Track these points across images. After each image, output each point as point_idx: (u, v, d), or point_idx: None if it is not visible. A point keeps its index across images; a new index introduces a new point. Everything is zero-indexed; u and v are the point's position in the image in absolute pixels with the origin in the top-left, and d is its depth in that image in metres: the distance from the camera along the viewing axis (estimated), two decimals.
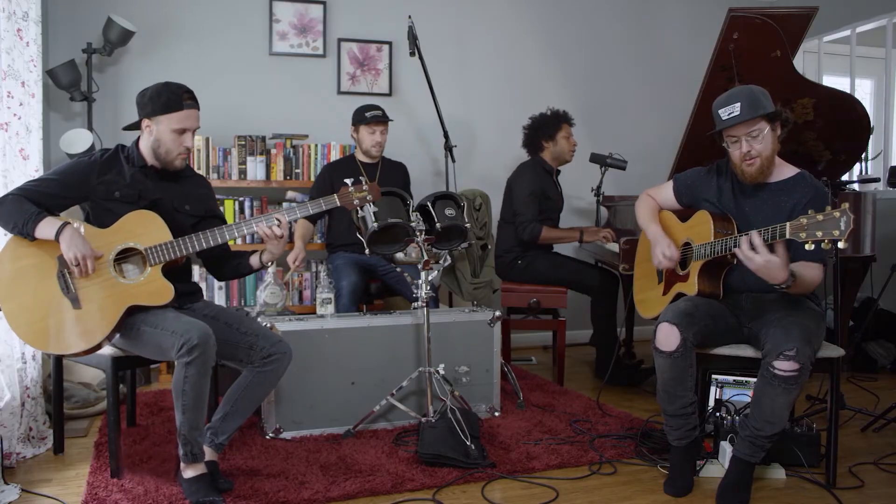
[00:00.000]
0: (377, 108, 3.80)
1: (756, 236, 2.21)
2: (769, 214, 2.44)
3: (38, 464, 2.63)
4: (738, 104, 2.40)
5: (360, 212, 2.76)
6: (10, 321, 2.31)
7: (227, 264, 2.72)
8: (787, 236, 2.14)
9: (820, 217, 2.08)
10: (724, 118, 2.44)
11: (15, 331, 2.31)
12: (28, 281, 2.32)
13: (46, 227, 2.28)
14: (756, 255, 2.21)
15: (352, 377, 3.00)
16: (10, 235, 2.36)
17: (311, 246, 4.01)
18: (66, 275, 2.31)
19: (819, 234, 2.07)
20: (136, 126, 2.53)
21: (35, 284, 2.31)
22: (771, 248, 2.22)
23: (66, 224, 2.29)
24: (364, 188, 2.58)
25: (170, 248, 2.38)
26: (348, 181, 2.59)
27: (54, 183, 2.39)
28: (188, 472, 2.33)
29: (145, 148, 2.50)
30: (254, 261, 2.64)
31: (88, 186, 2.42)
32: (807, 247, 2.09)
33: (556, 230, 3.95)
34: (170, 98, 2.43)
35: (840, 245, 2.04)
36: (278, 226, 2.47)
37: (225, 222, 2.67)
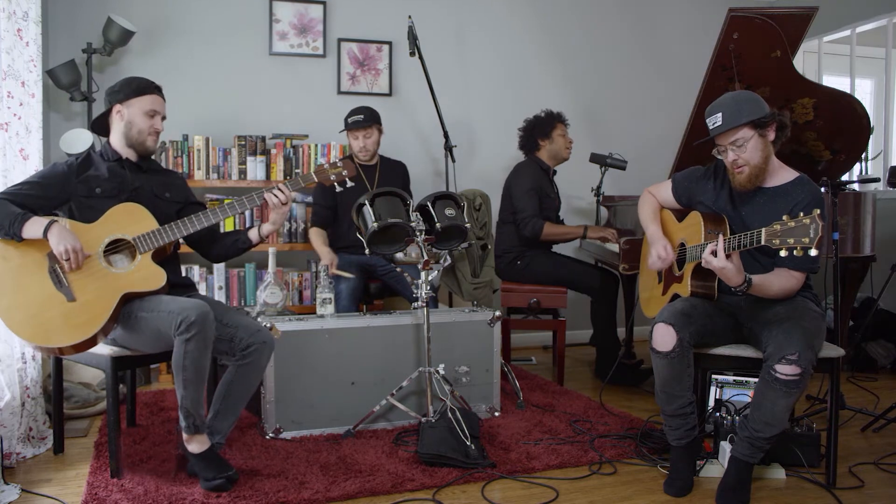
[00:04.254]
0: (361, 112, 3.73)
1: (721, 240, 2.27)
2: (765, 219, 2.42)
3: (38, 464, 2.63)
4: (720, 114, 2.41)
5: (337, 187, 2.77)
6: (5, 320, 2.33)
7: (220, 243, 2.78)
8: (763, 242, 2.15)
9: (792, 224, 2.08)
10: (710, 128, 2.46)
11: (11, 328, 2.33)
12: (21, 279, 2.34)
13: (33, 227, 2.32)
14: (714, 259, 2.26)
15: (352, 377, 3.00)
16: None
17: (312, 247, 4.00)
18: (58, 270, 2.35)
19: (790, 241, 2.07)
20: (102, 124, 2.62)
21: (28, 282, 2.34)
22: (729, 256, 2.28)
23: (53, 221, 2.33)
24: (339, 164, 2.69)
25: (158, 234, 2.43)
26: (323, 160, 2.67)
27: (36, 185, 2.45)
28: (193, 446, 2.39)
29: (117, 139, 2.59)
30: (253, 235, 2.73)
31: (69, 187, 2.48)
32: (781, 253, 2.10)
33: (559, 226, 3.94)
34: (140, 84, 2.58)
35: (811, 253, 2.03)
36: (286, 196, 2.61)
37: (205, 209, 2.72)
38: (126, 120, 2.55)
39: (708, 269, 2.48)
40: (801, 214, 2.07)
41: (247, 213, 4.08)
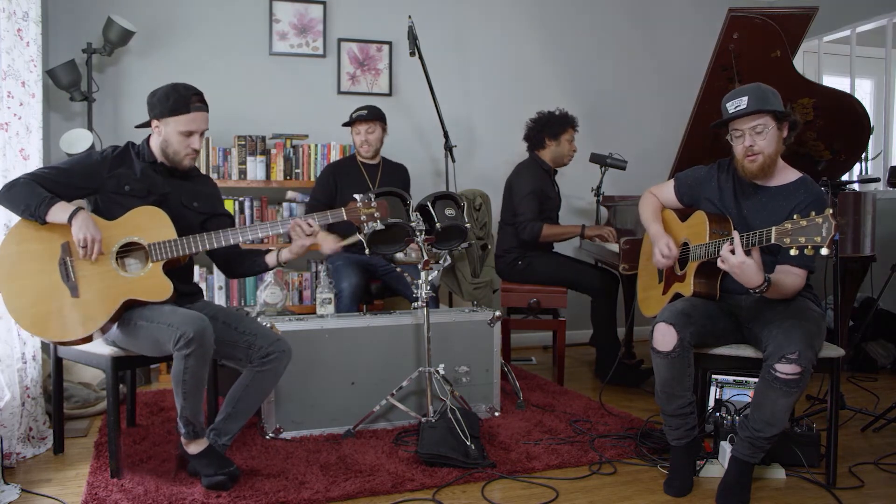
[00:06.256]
0: (365, 108, 3.77)
1: (737, 236, 2.25)
2: (767, 217, 2.43)
3: (38, 464, 2.62)
4: (746, 98, 2.40)
5: (365, 228, 2.74)
6: (7, 304, 2.33)
7: (240, 263, 2.75)
8: (773, 241, 2.15)
9: (804, 223, 2.07)
10: (730, 111, 2.44)
11: (11, 314, 2.34)
12: (30, 265, 2.34)
13: (60, 211, 2.30)
14: (733, 256, 2.24)
15: (352, 377, 3.00)
16: (16, 219, 2.38)
17: (312, 246, 3.98)
18: (68, 262, 2.34)
19: (802, 239, 2.06)
20: (147, 124, 2.57)
21: (36, 269, 2.34)
22: (748, 252, 2.25)
23: (80, 208, 2.33)
24: (373, 205, 2.59)
25: (173, 245, 2.40)
26: (357, 196, 2.60)
27: (66, 173, 2.42)
28: (192, 448, 2.40)
29: (155, 146, 2.54)
30: (270, 259, 2.68)
31: (99, 179, 2.46)
32: (791, 252, 2.09)
33: (557, 226, 3.95)
34: (177, 101, 2.46)
35: (823, 251, 2.03)
36: (312, 229, 2.53)
37: (233, 220, 2.73)
38: (163, 137, 2.49)
39: (711, 268, 2.48)
40: (813, 213, 2.06)
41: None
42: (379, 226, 2.72)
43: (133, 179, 2.49)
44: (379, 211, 2.60)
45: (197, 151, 2.54)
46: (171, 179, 2.57)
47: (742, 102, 2.41)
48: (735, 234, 2.26)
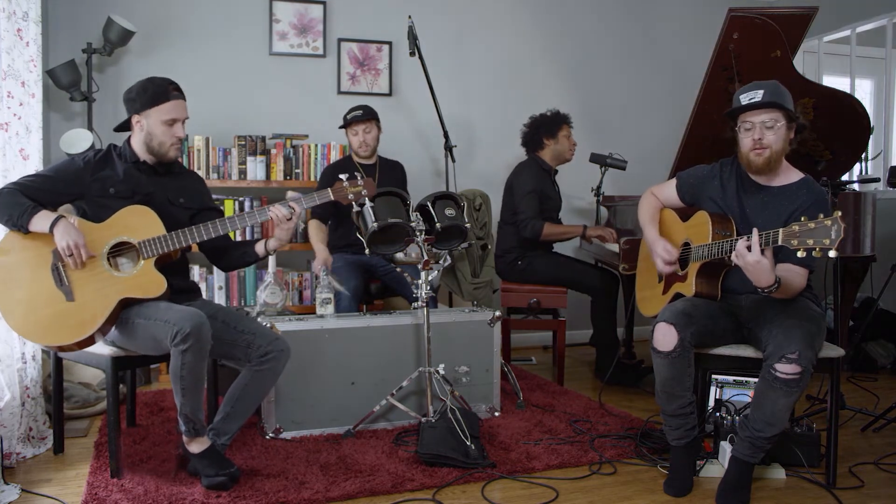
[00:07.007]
0: (360, 108, 3.76)
1: (755, 234, 2.22)
2: (769, 217, 2.44)
3: (38, 464, 2.62)
4: (762, 91, 2.39)
5: (354, 206, 2.75)
6: (3, 312, 2.33)
7: (230, 254, 2.75)
8: (780, 242, 2.14)
9: (812, 225, 2.06)
10: (743, 103, 2.43)
11: (8, 322, 2.34)
12: (23, 273, 2.35)
13: (41, 220, 2.31)
14: (749, 253, 2.21)
15: (352, 377, 3.00)
16: (5, 229, 2.39)
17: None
18: (60, 268, 2.34)
19: (810, 242, 2.05)
20: (126, 125, 2.57)
21: (29, 276, 2.34)
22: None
23: (60, 217, 2.33)
24: (359, 183, 2.60)
25: (162, 241, 2.41)
26: (343, 176, 2.63)
27: (49, 180, 2.43)
28: (194, 447, 2.41)
29: (137, 144, 2.54)
30: (259, 248, 2.68)
31: (83, 184, 2.46)
32: (798, 254, 2.08)
33: (558, 226, 3.95)
34: (156, 91, 2.47)
35: (831, 254, 2.02)
36: (292, 212, 2.52)
37: (222, 214, 2.72)
38: (146, 131, 2.49)
39: (713, 269, 2.48)
40: (822, 216, 2.05)
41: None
42: (369, 203, 2.72)
43: (117, 181, 2.49)
44: (366, 188, 2.61)
45: (181, 140, 2.54)
46: (155, 178, 2.57)
47: (757, 95, 2.39)
48: (754, 231, 2.22)
